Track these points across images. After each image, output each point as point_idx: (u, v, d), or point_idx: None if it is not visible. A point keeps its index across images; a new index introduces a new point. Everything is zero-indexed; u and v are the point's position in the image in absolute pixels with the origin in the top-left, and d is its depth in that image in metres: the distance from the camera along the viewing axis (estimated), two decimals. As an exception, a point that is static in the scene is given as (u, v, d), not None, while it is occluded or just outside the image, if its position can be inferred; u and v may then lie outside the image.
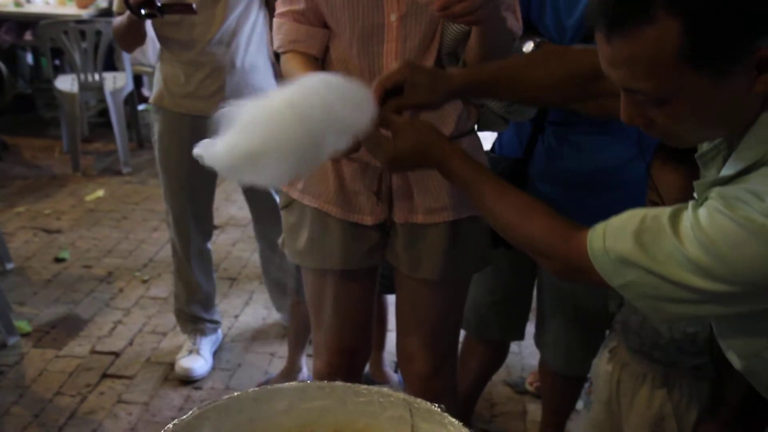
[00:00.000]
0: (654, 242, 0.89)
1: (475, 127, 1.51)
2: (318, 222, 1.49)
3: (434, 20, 1.32)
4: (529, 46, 1.50)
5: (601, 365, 1.54)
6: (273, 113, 1.05)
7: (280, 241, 1.61)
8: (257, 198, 2.45)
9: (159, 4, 2.00)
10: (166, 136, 2.29)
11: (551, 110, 1.55)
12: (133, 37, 2.21)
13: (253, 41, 2.21)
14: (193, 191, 2.35)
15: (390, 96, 1.16)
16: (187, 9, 2.04)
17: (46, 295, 3.01)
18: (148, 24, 2.18)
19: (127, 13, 2.07)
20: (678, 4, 0.80)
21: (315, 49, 1.40)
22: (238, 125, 1.06)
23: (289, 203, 1.54)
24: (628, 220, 0.94)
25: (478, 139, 1.51)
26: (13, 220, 3.70)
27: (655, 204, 1.33)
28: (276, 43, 1.44)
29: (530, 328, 1.94)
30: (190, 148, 2.20)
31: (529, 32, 1.53)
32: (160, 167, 2.34)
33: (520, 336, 1.94)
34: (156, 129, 2.31)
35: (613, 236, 0.94)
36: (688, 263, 0.86)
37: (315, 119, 1.04)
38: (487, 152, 1.69)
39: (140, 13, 2.01)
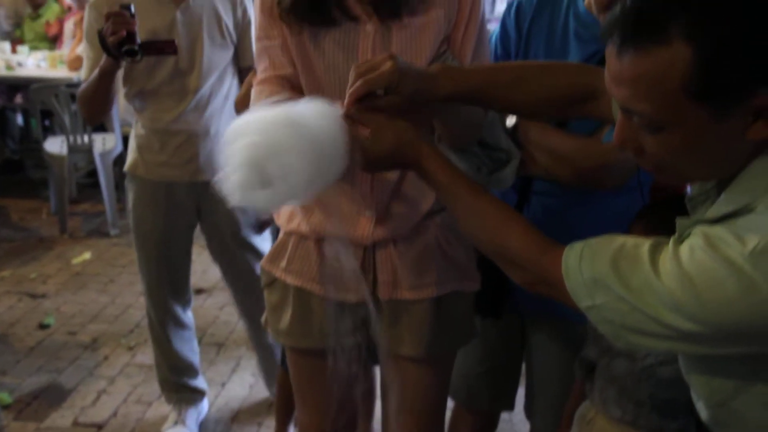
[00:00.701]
0: (630, 269, 0.88)
1: None
2: (301, 301, 1.46)
3: None
4: (512, 119, 1.50)
5: None
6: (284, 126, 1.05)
7: (263, 319, 1.58)
8: (236, 274, 2.40)
9: (139, 42, 1.94)
10: (141, 204, 2.27)
11: (536, 180, 1.55)
12: (102, 96, 2.10)
13: (227, 108, 2.21)
14: (168, 259, 2.31)
15: (369, 93, 1.12)
16: (169, 46, 2.02)
17: (29, 364, 2.95)
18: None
19: (98, 68, 2.02)
20: (696, 32, 0.80)
21: None
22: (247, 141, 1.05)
23: (272, 282, 1.51)
24: (607, 243, 0.93)
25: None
26: (-3, 285, 3.66)
27: None
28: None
29: (520, 396, 1.91)
30: (165, 216, 2.26)
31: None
32: (135, 235, 2.31)
33: (510, 406, 1.90)
34: (130, 197, 2.29)
35: (590, 257, 0.93)
36: (661, 296, 0.85)
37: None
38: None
39: (119, 51, 1.93)
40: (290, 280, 1.46)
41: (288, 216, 1.47)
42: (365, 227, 1.38)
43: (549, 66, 1.29)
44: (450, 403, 1.92)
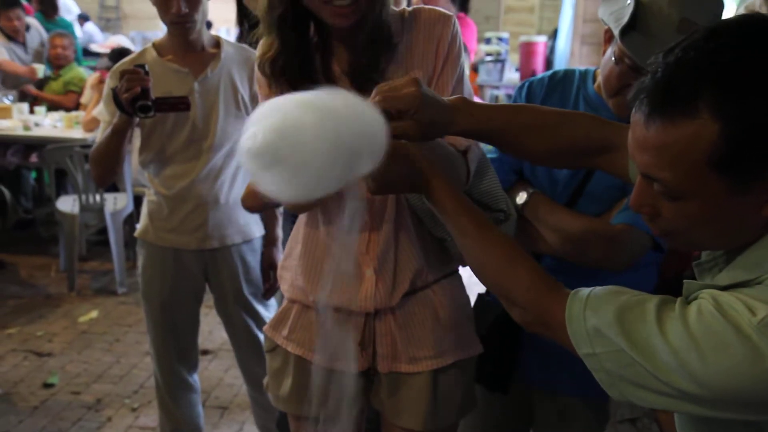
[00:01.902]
0: (635, 324, 0.89)
1: (459, 267, 1.53)
2: (301, 369, 1.49)
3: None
4: (522, 197, 1.55)
5: None
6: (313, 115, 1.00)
7: (264, 382, 1.61)
8: (239, 336, 2.42)
9: (153, 98, 1.96)
10: (149, 269, 2.29)
11: (544, 257, 1.57)
12: (113, 155, 2.10)
13: (238, 178, 2.25)
14: (175, 324, 2.33)
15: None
16: (182, 102, 2.04)
17: (32, 424, 2.93)
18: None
19: (111, 126, 2.04)
20: (725, 108, 0.82)
21: None
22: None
23: (274, 348, 1.55)
24: (613, 294, 0.94)
25: (459, 279, 1.53)
26: (4, 342, 3.66)
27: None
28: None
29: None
30: (173, 281, 2.29)
31: (522, 183, 1.58)
32: (143, 300, 2.34)
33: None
34: (140, 262, 2.32)
35: (595, 305, 0.94)
36: (664, 353, 0.85)
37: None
38: (481, 294, 1.71)
39: (133, 107, 1.94)
40: (291, 348, 1.51)
41: (291, 283, 1.51)
42: (367, 291, 1.40)
43: (567, 115, 1.28)
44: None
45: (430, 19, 1.37)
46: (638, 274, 1.54)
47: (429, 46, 1.36)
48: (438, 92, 1.28)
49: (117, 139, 2.06)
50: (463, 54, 1.41)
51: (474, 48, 3.81)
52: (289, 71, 1.34)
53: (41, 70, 5.40)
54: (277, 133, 0.96)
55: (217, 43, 2.22)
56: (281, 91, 1.32)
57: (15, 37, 5.50)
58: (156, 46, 2.20)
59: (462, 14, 3.14)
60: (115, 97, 1.97)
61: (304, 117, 0.97)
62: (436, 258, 1.46)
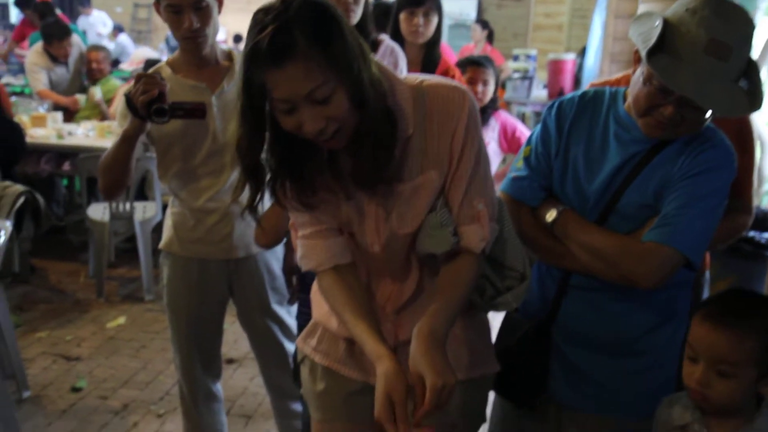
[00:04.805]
0: None
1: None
2: (328, 379, 1.54)
3: (411, 246, 1.39)
4: (552, 215, 1.56)
5: None
6: None
7: (303, 392, 1.64)
8: (263, 346, 2.44)
9: (169, 103, 1.91)
10: (174, 280, 2.31)
11: (573, 274, 1.59)
12: (121, 163, 2.03)
13: None
14: (200, 335, 2.36)
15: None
16: (198, 109, 1.98)
17: (60, 427, 2.98)
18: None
19: (121, 132, 2.00)
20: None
21: (350, 256, 1.41)
22: None
23: (303, 358, 1.60)
24: None
25: (485, 321, 1.55)
26: (34, 346, 3.73)
27: (690, 359, 1.34)
28: (311, 265, 1.42)
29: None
30: (198, 292, 2.31)
31: (552, 200, 1.60)
32: (169, 310, 2.35)
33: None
34: (165, 273, 2.34)
35: None
36: None
37: None
38: (509, 312, 1.72)
39: (148, 111, 1.89)
40: (318, 359, 1.54)
41: (318, 306, 1.54)
42: (389, 332, 1.43)
43: None
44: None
45: (443, 104, 1.30)
46: (671, 293, 1.55)
47: (443, 139, 1.31)
48: (453, 188, 1.33)
49: (126, 146, 2.00)
50: (480, 133, 1.36)
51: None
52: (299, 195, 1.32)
53: (83, 100, 5.52)
54: None
55: (229, 56, 2.22)
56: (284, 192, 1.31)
57: (63, 60, 5.63)
58: (170, 63, 2.19)
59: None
60: (128, 101, 1.93)
61: None
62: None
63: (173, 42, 8.66)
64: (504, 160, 3.60)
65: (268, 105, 1.21)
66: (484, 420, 1.59)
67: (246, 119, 1.23)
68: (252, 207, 1.33)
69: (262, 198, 1.32)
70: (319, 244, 1.39)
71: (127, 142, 2.00)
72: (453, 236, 1.35)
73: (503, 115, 3.43)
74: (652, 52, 1.38)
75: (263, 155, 1.27)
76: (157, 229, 4.62)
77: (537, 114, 6.98)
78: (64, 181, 5.61)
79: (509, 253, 1.46)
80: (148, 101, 1.89)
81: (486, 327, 1.56)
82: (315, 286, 1.57)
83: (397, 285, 1.43)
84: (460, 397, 1.47)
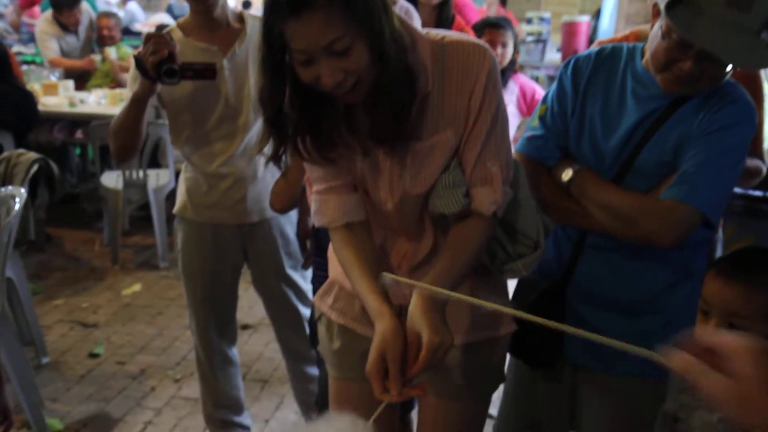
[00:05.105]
0: None
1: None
2: (344, 337, 1.54)
3: (424, 206, 1.37)
4: (568, 174, 1.54)
5: None
6: None
7: (320, 348, 1.65)
8: (279, 311, 2.45)
9: (179, 63, 1.89)
10: (189, 246, 2.32)
11: (590, 234, 1.57)
12: (132, 126, 2.02)
13: None
14: (215, 299, 2.36)
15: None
16: (209, 70, 1.96)
17: (79, 392, 3.02)
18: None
19: (131, 94, 1.98)
20: None
21: (364, 214, 1.40)
22: None
23: (320, 316, 1.60)
24: None
25: (503, 281, 1.53)
26: (51, 313, 3.77)
27: (703, 313, 1.33)
28: (324, 221, 1.40)
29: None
30: (213, 257, 2.31)
31: (568, 159, 1.57)
32: (184, 276, 2.36)
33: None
34: (180, 238, 2.34)
35: None
36: None
37: None
38: (525, 273, 1.71)
39: (158, 72, 1.87)
40: (335, 317, 1.55)
41: (335, 264, 1.53)
42: (401, 292, 1.39)
43: None
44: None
45: (462, 61, 1.28)
46: (688, 252, 1.53)
47: (461, 97, 1.29)
48: (468, 148, 1.31)
49: (137, 108, 1.98)
50: (499, 93, 1.32)
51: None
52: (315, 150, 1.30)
53: (98, 60, 5.50)
54: None
55: (241, 18, 2.19)
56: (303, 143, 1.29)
57: (74, 29, 5.60)
58: (180, 26, 2.16)
59: None
60: (138, 62, 1.90)
61: None
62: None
63: (177, 10, 8.60)
64: (518, 128, 3.56)
65: (288, 56, 1.19)
66: (503, 379, 1.59)
67: (266, 70, 1.22)
68: (276, 158, 1.32)
69: (285, 149, 1.31)
70: (332, 199, 1.38)
71: (137, 104, 1.98)
72: (464, 197, 1.33)
73: (522, 78, 3.39)
74: (671, 5, 1.34)
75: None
76: (171, 196, 4.65)
77: (551, 78, 6.90)
78: (77, 150, 5.63)
79: (522, 218, 1.44)
80: (158, 62, 1.87)
81: (504, 287, 1.55)
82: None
83: (412, 245, 1.42)
84: (475, 357, 1.47)
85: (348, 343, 1.54)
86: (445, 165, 1.33)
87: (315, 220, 1.43)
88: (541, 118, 1.60)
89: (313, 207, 1.42)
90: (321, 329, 1.61)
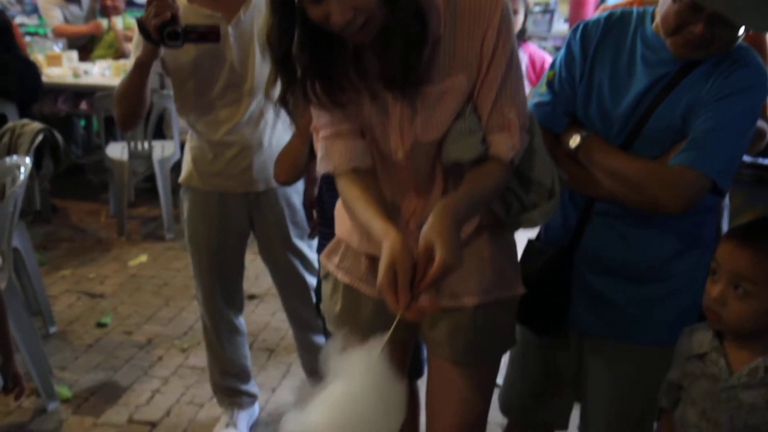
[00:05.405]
0: None
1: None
2: (349, 297, 1.53)
3: (435, 156, 1.35)
4: (575, 140, 1.52)
5: None
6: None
7: (322, 306, 1.65)
8: (285, 280, 2.45)
9: (182, 26, 1.87)
10: (195, 215, 2.31)
11: (597, 201, 1.56)
12: (136, 92, 2.01)
13: (279, 120, 2.23)
14: (221, 269, 2.36)
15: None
16: (212, 32, 1.93)
17: (87, 361, 3.05)
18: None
19: (135, 59, 1.97)
20: None
21: (371, 162, 1.38)
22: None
23: (326, 274, 1.59)
24: None
25: (512, 242, 1.52)
26: (58, 283, 3.79)
27: (713, 272, 1.33)
28: (330, 167, 1.38)
29: (575, 414, 1.91)
30: (219, 226, 2.31)
31: (575, 125, 1.56)
32: (190, 245, 2.36)
33: (564, 425, 1.89)
34: (185, 207, 2.34)
35: None
36: None
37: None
38: (531, 240, 1.70)
39: (161, 35, 1.85)
40: (340, 276, 1.53)
41: (342, 222, 1.53)
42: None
43: None
44: (502, 420, 1.94)
45: (475, 5, 1.25)
46: (697, 219, 1.52)
47: (473, 42, 1.26)
48: (483, 93, 1.29)
49: (140, 73, 1.97)
50: (513, 38, 1.29)
51: None
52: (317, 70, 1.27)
53: (105, 23, 5.45)
54: None
55: None
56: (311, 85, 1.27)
57: None
58: None
59: None
60: (141, 26, 1.88)
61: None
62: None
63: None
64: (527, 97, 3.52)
65: None
66: (514, 342, 1.58)
67: (275, 9, 1.21)
68: (283, 100, 1.31)
69: (293, 92, 1.30)
70: (338, 143, 1.36)
71: (140, 68, 1.97)
72: (481, 143, 1.30)
73: (531, 47, 3.34)
74: None
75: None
76: (176, 168, 4.65)
77: (557, 49, 6.82)
78: (82, 122, 5.61)
79: (537, 165, 1.41)
80: (161, 24, 1.85)
81: (513, 248, 1.53)
82: (339, 203, 1.55)
83: (422, 199, 1.40)
84: (487, 319, 1.47)
85: (352, 303, 1.53)
86: (458, 111, 1.31)
87: (320, 168, 1.40)
88: (549, 84, 1.58)
89: (319, 154, 1.40)
90: (326, 287, 1.60)
